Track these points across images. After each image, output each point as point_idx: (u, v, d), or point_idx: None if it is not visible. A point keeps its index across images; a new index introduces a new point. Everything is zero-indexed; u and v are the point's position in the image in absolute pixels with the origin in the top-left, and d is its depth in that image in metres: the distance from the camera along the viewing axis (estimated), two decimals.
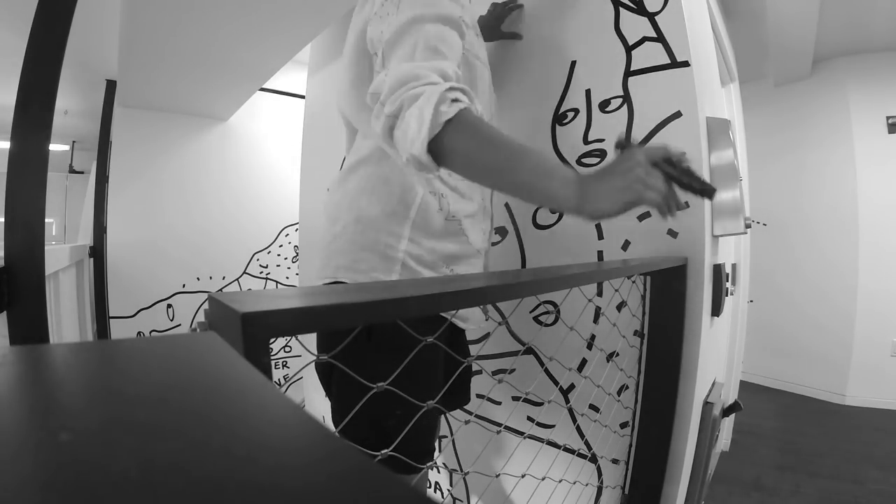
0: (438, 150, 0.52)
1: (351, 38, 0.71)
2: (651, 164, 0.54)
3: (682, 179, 0.57)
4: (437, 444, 0.75)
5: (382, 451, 0.46)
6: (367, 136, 0.74)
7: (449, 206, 0.72)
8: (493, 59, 1.11)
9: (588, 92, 0.97)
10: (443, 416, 1.01)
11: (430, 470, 0.59)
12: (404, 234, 0.69)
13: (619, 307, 0.89)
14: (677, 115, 0.85)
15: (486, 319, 0.82)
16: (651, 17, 0.88)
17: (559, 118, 1.01)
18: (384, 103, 0.55)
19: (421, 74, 0.53)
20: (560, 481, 0.81)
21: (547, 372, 1.00)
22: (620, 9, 0.92)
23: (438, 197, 0.71)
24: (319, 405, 1.77)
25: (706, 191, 0.57)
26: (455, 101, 0.52)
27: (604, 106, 0.95)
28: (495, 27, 1.06)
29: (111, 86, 2.51)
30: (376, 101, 0.57)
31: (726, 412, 1.19)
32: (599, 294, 0.94)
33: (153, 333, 2.47)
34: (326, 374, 0.69)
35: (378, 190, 0.70)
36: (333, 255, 0.71)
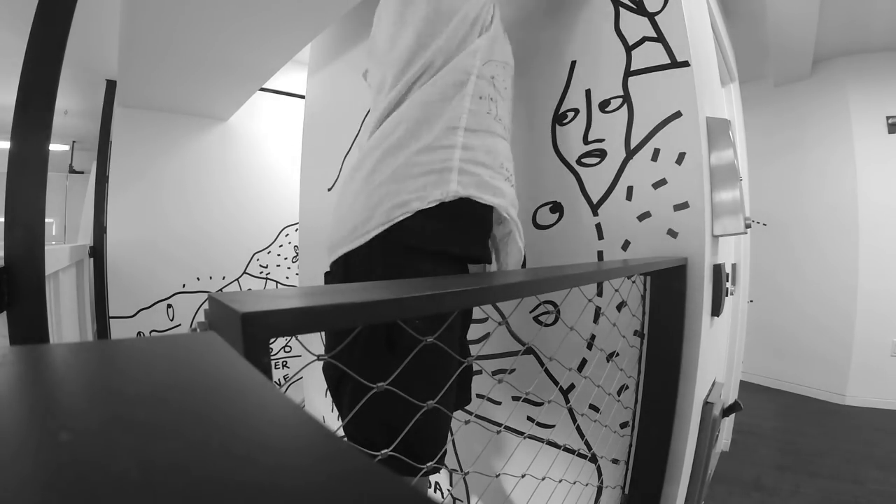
0: None
1: None
2: None
3: None
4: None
5: (384, 452, 0.46)
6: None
7: (497, 110, 0.77)
8: None
9: (588, 92, 0.97)
10: None
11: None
12: (457, 143, 0.70)
13: (619, 307, 0.89)
14: (677, 115, 0.85)
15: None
16: (651, 17, 0.88)
17: (559, 118, 1.01)
18: None
19: None
20: (560, 481, 0.81)
21: (547, 372, 1.00)
22: (620, 9, 0.92)
23: (488, 100, 0.75)
24: (319, 405, 1.77)
25: None
26: None
27: (604, 106, 0.95)
28: None
29: (111, 86, 2.51)
30: None
31: (726, 412, 1.19)
32: (599, 294, 0.94)
33: (153, 333, 2.47)
34: (336, 382, 0.69)
35: (429, 113, 0.71)
36: (380, 202, 0.68)
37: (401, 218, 0.66)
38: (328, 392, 0.72)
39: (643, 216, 0.89)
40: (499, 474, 0.68)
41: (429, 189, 0.68)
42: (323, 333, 0.72)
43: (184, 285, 2.58)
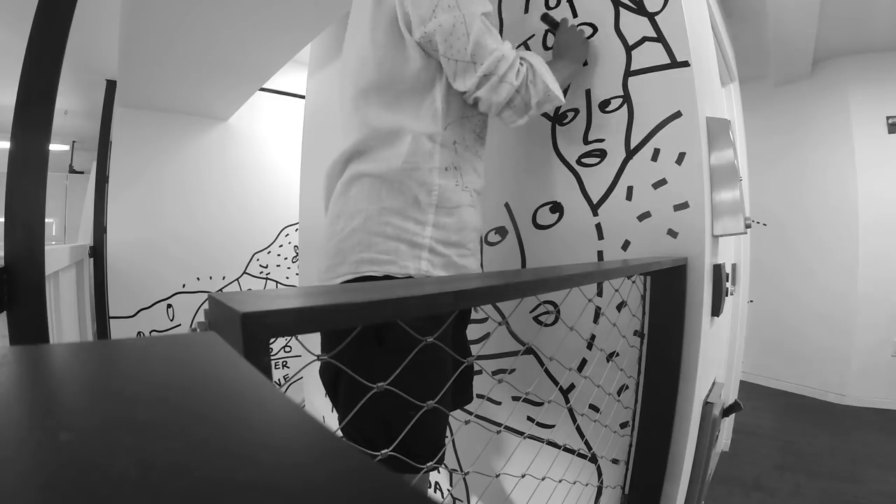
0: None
1: (381, 21, 0.73)
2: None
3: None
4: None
5: (384, 452, 0.46)
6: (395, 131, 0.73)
7: (462, 179, 0.75)
8: None
9: (588, 92, 0.97)
10: None
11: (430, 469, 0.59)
12: (428, 220, 0.70)
13: (619, 307, 0.89)
14: (677, 115, 0.85)
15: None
16: (651, 17, 0.88)
17: (559, 118, 1.01)
18: (503, 78, 0.71)
19: (515, 56, 0.73)
20: (560, 481, 0.81)
21: (547, 372, 1.00)
22: (620, 9, 0.92)
23: (453, 170, 0.74)
24: (319, 405, 1.77)
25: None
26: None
27: (604, 106, 0.95)
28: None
29: (111, 86, 2.51)
30: (487, 78, 0.70)
31: (726, 412, 1.19)
32: (599, 294, 0.94)
33: (153, 333, 2.47)
34: (332, 380, 0.69)
35: (398, 182, 0.71)
36: (351, 249, 0.70)
37: (369, 273, 0.68)
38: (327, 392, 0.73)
39: (643, 216, 0.89)
40: (499, 474, 0.68)
41: (401, 256, 0.68)
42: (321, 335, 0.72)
43: (184, 285, 2.58)
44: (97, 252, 2.48)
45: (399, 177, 0.70)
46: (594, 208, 0.95)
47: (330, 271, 0.72)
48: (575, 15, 0.99)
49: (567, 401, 0.96)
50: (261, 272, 2.84)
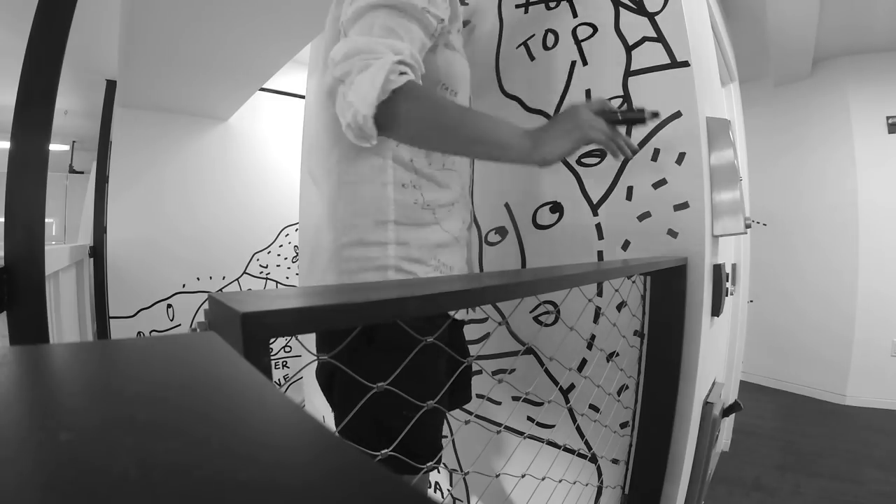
0: (386, 117, 0.54)
1: (332, 23, 0.70)
2: (593, 113, 0.63)
3: (625, 117, 0.66)
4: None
5: (384, 452, 0.46)
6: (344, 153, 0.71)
7: (423, 196, 0.71)
8: (492, 59, 1.10)
9: (588, 92, 0.97)
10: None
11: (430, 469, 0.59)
12: (389, 238, 0.68)
13: (619, 307, 0.89)
14: (677, 115, 0.85)
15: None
16: (651, 17, 0.88)
17: None
18: (334, 66, 0.57)
19: (376, 49, 0.55)
20: (560, 481, 0.81)
21: (547, 372, 1.00)
22: (620, 9, 0.92)
23: (411, 188, 0.70)
24: (319, 405, 1.77)
25: (647, 113, 0.66)
26: (403, 73, 0.54)
27: None
28: None
29: (111, 86, 2.51)
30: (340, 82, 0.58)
31: (726, 412, 1.19)
32: (599, 294, 0.94)
33: (153, 333, 2.47)
34: (328, 381, 0.69)
35: (350, 202, 0.69)
36: (325, 273, 0.71)
37: None
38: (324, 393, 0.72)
39: (643, 216, 0.89)
40: (499, 474, 0.68)
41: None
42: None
43: (184, 285, 2.58)
44: (97, 252, 2.48)
45: (346, 194, 0.68)
46: (594, 208, 0.95)
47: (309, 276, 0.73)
48: (575, 15, 0.99)
49: (567, 401, 0.96)
50: (261, 272, 2.84)
